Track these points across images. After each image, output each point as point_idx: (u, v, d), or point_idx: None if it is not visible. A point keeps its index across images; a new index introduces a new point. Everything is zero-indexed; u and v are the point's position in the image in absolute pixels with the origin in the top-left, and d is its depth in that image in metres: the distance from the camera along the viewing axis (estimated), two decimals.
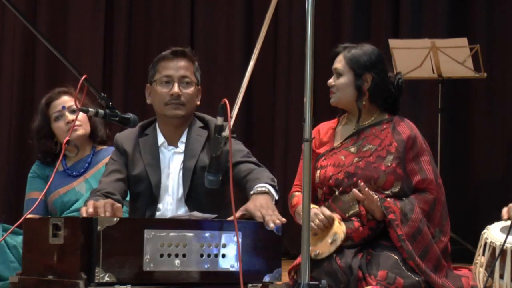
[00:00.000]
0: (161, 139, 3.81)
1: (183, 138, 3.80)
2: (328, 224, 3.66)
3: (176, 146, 3.80)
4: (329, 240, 3.64)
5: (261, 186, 3.38)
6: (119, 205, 3.32)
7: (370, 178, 3.74)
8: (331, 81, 3.92)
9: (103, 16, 7.65)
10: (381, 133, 3.85)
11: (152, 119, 3.90)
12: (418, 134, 3.87)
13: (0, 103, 7.62)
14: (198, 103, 3.85)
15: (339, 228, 3.66)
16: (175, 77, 3.76)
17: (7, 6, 3.19)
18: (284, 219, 3.17)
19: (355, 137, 3.88)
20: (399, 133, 3.83)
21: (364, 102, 3.86)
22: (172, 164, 3.77)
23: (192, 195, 3.70)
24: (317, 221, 3.66)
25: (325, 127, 4.01)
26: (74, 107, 4.19)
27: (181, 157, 3.77)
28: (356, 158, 3.81)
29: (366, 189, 3.67)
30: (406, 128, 3.86)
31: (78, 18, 7.67)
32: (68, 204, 4.27)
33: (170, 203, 3.73)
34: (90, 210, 3.20)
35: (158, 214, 3.73)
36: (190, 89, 3.77)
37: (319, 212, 3.68)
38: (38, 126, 4.43)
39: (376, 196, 3.67)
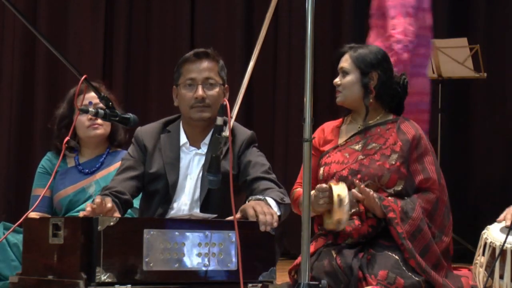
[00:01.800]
0: (183, 139, 3.80)
1: (206, 140, 3.78)
2: (331, 195, 3.64)
3: (199, 148, 3.78)
4: (337, 206, 3.61)
5: (260, 195, 3.39)
6: (109, 206, 3.32)
7: (374, 176, 3.74)
8: (337, 80, 3.92)
9: (103, 16, 7.65)
10: (386, 132, 3.86)
11: (177, 116, 3.88)
12: (423, 135, 3.89)
13: (0, 103, 7.62)
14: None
15: (338, 189, 3.61)
16: (199, 80, 3.75)
17: (7, 6, 3.19)
18: (275, 224, 3.20)
19: (360, 135, 3.89)
20: (404, 132, 3.85)
21: (371, 100, 3.87)
22: (193, 165, 3.76)
23: (209, 198, 3.69)
24: (321, 200, 3.66)
25: (329, 125, 4.02)
26: (101, 105, 4.17)
27: (202, 159, 3.76)
28: (361, 156, 3.82)
29: (362, 185, 3.68)
30: (411, 128, 3.87)
31: (78, 18, 7.67)
32: (76, 204, 4.24)
33: (185, 204, 3.72)
34: (86, 213, 3.22)
35: (171, 213, 3.71)
36: (215, 90, 3.76)
37: (317, 192, 3.66)
38: (62, 114, 4.35)
39: (372, 193, 3.68)
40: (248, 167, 3.67)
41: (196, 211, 3.52)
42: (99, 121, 4.25)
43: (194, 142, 3.79)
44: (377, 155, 3.80)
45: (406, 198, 3.76)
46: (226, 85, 3.83)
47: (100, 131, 4.29)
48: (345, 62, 3.90)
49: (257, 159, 3.70)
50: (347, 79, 3.88)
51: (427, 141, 3.89)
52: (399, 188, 3.77)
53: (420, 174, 3.80)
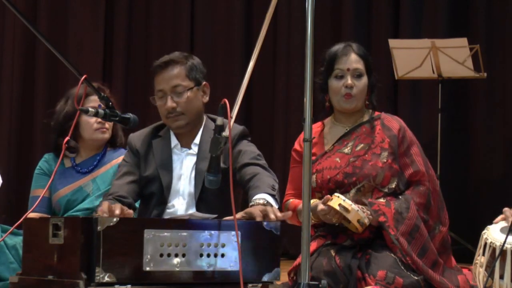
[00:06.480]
0: (174, 141, 3.83)
1: (197, 140, 3.81)
2: (336, 211, 3.58)
3: (190, 148, 3.81)
4: (346, 214, 3.56)
5: (260, 198, 3.37)
6: (130, 211, 3.32)
7: (369, 176, 3.72)
8: (350, 82, 3.75)
9: (103, 16, 7.66)
10: (371, 131, 3.81)
11: None
12: (406, 126, 3.84)
13: (0, 103, 7.62)
14: (205, 100, 3.84)
15: (335, 202, 3.57)
16: (167, 90, 3.77)
17: (7, 6, 3.19)
18: (285, 214, 3.19)
19: (346, 138, 3.83)
20: (389, 128, 3.81)
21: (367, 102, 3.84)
22: (185, 165, 3.78)
23: (203, 196, 3.71)
24: (334, 219, 3.61)
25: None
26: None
27: (193, 158, 3.78)
28: (352, 158, 3.77)
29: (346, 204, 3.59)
30: (395, 122, 3.83)
31: (78, 18, 7.68)
32: (74, 204, 4.25)
33: (181, 204, 3.74)
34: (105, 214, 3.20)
35: (168, 212, 3.73)
36: (184, 97, 3.76)
37: (326, 210, 3.58)
38: (66, 112, 4.29)
39: (359, 207, 3.61)
40: (238, 156, 3.68)
41: (196, 212, 3.52)
42: (107, 125, 4.27)
43: (185, 143, 3.82)
44: (368, 155, 3.76)
45: (400, 197, 3.74)
46: (204, 83, 3.82)
47: (106, 135, 4.31)
48: (358, 63, 3.77)
49: (247, 148, 3.71)
50: (362, 82, 3.78)
51: (410, 131, 3.85)
52: (393, 186, 3.75)
53: (409, 167, 3.78)
